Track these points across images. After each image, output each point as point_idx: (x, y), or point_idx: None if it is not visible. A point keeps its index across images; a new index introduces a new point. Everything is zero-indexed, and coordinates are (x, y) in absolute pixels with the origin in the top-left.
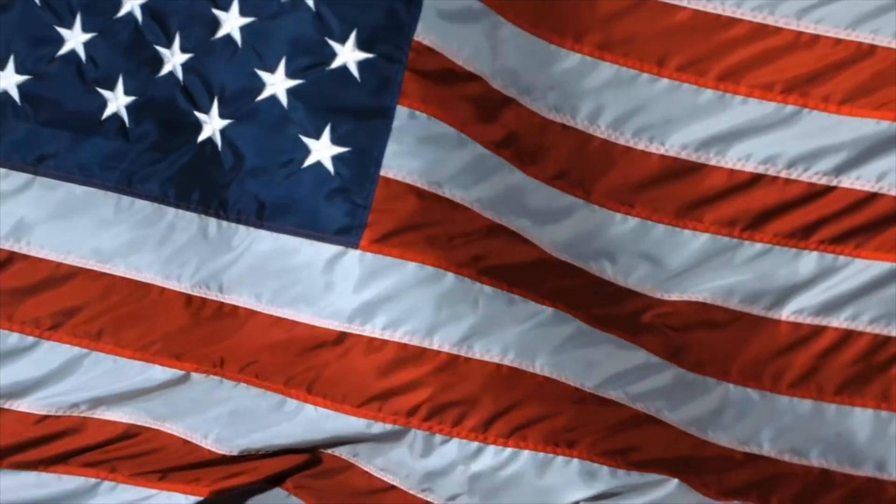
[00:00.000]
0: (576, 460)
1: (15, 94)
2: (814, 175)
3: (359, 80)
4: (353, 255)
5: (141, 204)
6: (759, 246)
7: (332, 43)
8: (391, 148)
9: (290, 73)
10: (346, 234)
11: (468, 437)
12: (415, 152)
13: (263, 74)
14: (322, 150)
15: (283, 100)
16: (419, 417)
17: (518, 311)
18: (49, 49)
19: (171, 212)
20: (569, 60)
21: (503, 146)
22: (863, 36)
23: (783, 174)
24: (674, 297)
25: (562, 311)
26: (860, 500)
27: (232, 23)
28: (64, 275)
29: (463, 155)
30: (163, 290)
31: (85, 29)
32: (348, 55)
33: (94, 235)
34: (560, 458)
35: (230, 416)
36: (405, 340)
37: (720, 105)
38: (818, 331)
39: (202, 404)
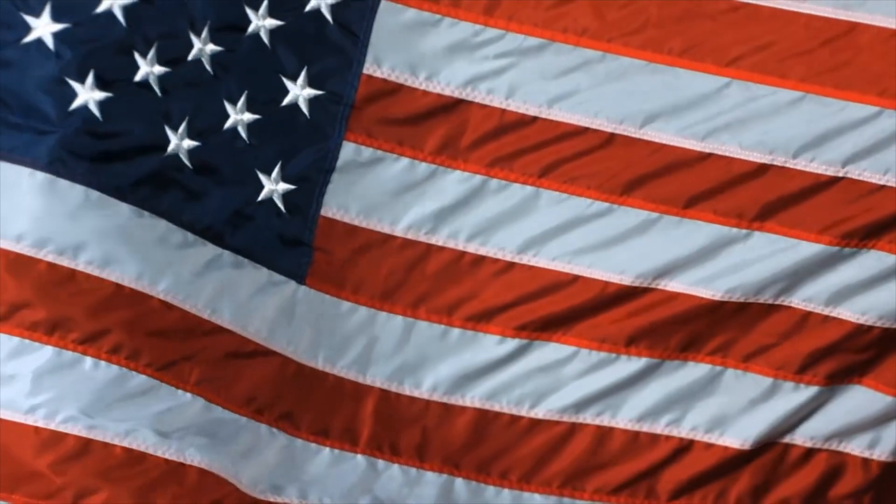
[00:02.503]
0: None
1: None
2: None
3: (308, 116)
4: (301, 290)
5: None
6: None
7: (284, 80)
8: (332, 185)
9: (249, 107)
10: (294, 272)
11: None
12: (357, 188)
13: (228, 106)
14: (273, 185)
15: (243, 133)
16: None
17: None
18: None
19: (125, 207)
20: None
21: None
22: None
23: None
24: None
25: None
26: None
27: (203, 48)
28: None
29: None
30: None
31: (56, 19)
32: (299, 91)
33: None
34: None
35: None
36: None
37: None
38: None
39: None
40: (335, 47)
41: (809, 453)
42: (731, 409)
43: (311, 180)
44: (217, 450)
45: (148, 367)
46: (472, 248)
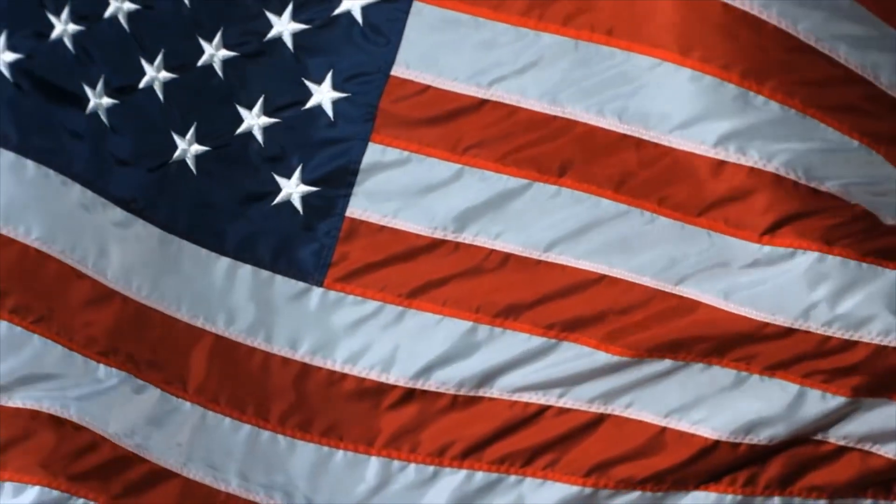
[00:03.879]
0: None
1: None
2: None
3: (332, 119)
4: (317, 292)
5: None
6: None
7: (308, 83)
8: (358, 187)
9: (267, 112)
10: (312, 273)
11: None
12: (383, 189)
13: (242, 111)
14: (292, 188)
15: (259, 137)
16: None
17: None
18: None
19: (139, 221)
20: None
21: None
22: None
23: None
24: None
25: None
26: None
27: (216, 54)
28: None
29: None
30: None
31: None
32: (324, 95)
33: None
34: None
35: None
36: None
37: None
38: None
39: None
40: (363, 49)
41: (842, 450)
42: (758, 411)
43: (335, 182)
44: None
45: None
46: (500, 245)
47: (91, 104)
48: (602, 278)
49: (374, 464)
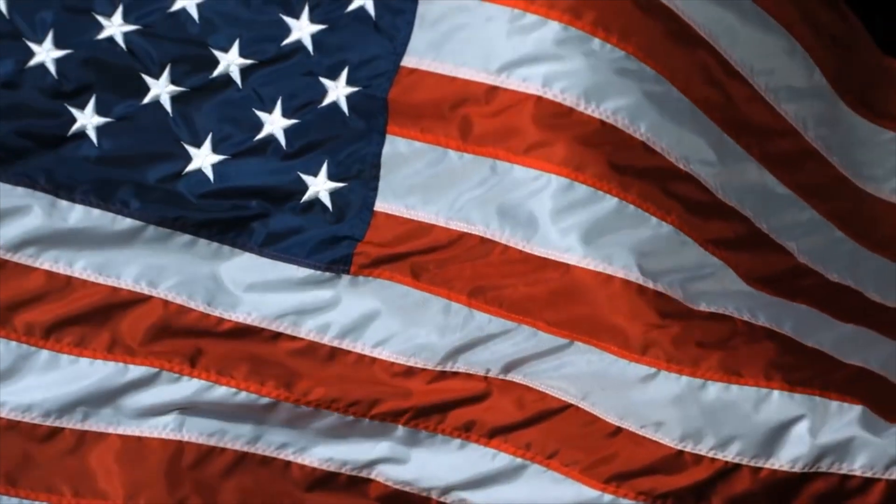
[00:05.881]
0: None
1: None
2: None
3: (347, 114)
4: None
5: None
6: None
7: (323, 80)
8: (382, 180)
9: (286, 114)
10: (338, 265)
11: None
12: (405, 180)
13: (262, 115)
14: (319, 185)
15: (282, 139)
16: None
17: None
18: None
19: (150, 228)
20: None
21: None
22: None
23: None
24: None
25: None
26: None
27: (231, 63)
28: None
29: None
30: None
31: (58, 45)
32: (338, 91)
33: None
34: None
35: None
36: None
37: None
38: None
39: None
40: (375, 42)
41: (868, 482)
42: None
43: (359, 176)
44: None
45: None
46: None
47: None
48: None
49: None
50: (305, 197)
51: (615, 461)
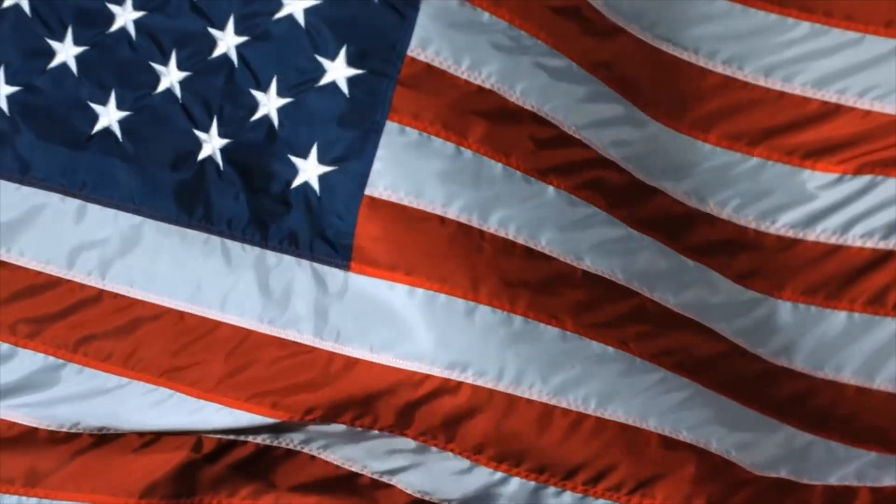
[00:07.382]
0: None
1: (4, 105)
2: (781, 227)
3: (348, 96)
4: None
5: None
6: None
7: (321, 59)
8: (377, 165)
9: (280, 92)
10: (333, 257)
11: None
12: (404, 169)
13: (257, 94)
14: (310, 169)
15: (275, 119)
16: None
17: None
18: (41, 61)
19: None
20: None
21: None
22: (828, 95)
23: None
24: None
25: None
26: None
27: (228, 42)
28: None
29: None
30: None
31: (77, 42)
32: (338, 72)
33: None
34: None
35: None
36: None
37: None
38: None
39: None
40: (379, 26)
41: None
42: None
43: (354, 160)
44: None
45: None
46: (522, 239)
47: (102, 120)
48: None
49: None
50: (295, 182)
51: None
